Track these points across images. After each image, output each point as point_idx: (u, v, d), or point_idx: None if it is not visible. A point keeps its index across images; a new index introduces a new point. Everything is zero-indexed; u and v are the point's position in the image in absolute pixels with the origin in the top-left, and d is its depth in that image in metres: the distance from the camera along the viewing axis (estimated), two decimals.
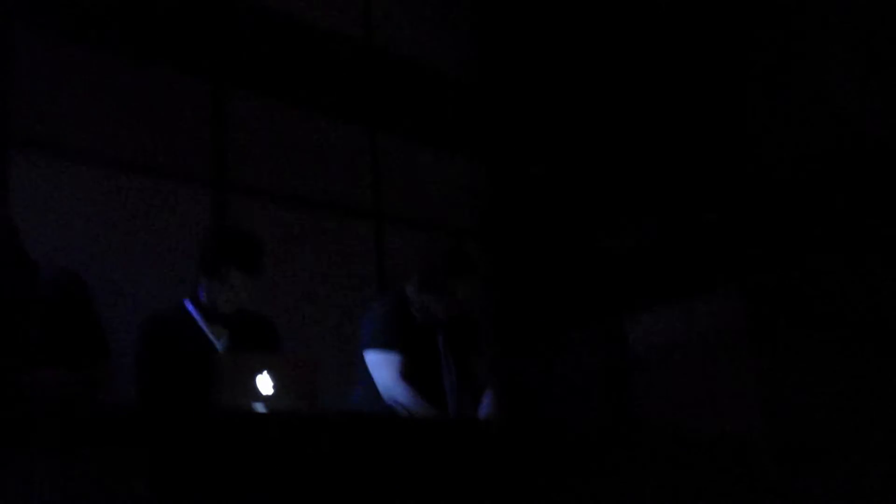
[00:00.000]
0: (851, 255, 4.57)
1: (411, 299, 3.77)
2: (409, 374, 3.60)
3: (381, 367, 3.63)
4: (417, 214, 5.88)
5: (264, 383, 2.73)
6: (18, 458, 2.02)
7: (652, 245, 5.36)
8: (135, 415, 2.34)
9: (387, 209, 5.74)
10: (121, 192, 4.63)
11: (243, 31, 5.22)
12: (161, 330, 3.34)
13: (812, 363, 4.57)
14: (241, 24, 5.23)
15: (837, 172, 4.70)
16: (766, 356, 4.80)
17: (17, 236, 3.11)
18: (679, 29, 5.50)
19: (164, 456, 2.23)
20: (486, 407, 3.84)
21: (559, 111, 6.03)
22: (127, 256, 4.53)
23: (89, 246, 4.41)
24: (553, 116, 6.06)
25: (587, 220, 5.78)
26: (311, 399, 2.84)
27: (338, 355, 4.48)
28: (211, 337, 3.38)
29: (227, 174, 5.04)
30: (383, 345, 3.65)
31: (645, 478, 3.07)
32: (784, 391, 4.65)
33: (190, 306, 3.43)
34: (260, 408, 2.69)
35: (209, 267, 3.37)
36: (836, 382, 4.47)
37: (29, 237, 4.18)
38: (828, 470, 3.77)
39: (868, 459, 4.09)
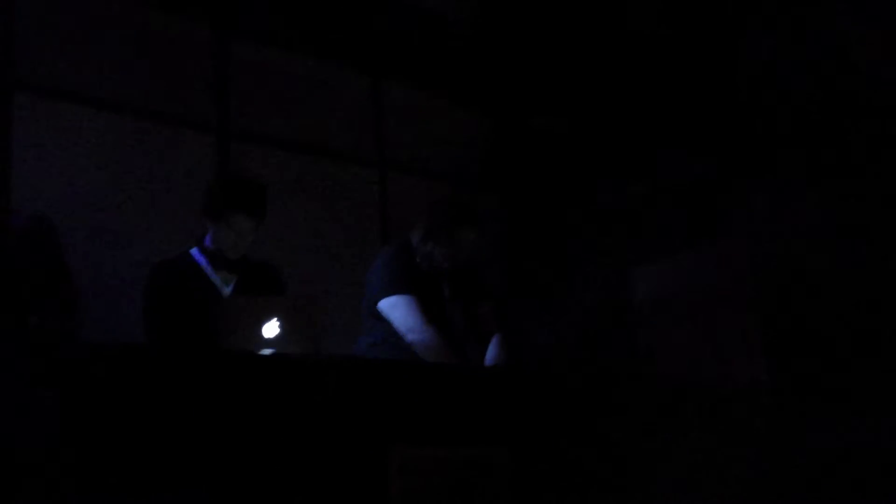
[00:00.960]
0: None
1: (416, 248, 3.79)
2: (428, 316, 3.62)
3: (402, 308, 3.63)
4: (421, 164, 5.87)
5: (269, 326, 2.75)
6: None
7: (650, 198, 5.36)
8: (141, 353, 2.36)
9: (390, 158, 5.73)
10: (125, 135, 4.64)
11: None
12: (168, 277, 3.37)
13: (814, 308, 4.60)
14: None
15: (836, 122, 4.69)
16: (769, 303, 4.82)
17: None
18: None
19: (169, 396, 2.26)
20: (493, 351, 3.87)
21: (560, 64, 6.00)
22: (133, 201, 4.55)
23: (94, 190, 4.43)
24: (554, 69, 6.03)
25: (587, 173, 5.78)
26: (315, 341, 2.86)
27: (342, 301, 4.51)
28: (217, 282, 3.41)
29: (231, 120, 5.04)
30: (400, 289, 3.66)
31: (647, 419, 3.11)
32: (788, 338, 4.67)
33: (196, 253, 3.46)
34: (265, 350, 2.72)
35: (214, 212, 3.40)
36: (839, 325, 4.50)
37: (36, 183, 4.23)
38: (834, 414, 3.81)
39: (875, 403, 4.12)
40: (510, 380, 3.04)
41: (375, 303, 3.69)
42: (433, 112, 6.03)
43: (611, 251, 5.49)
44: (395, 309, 3.64)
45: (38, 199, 4.20)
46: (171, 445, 2.22)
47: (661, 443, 3.08)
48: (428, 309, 3.67)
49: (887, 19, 4.57)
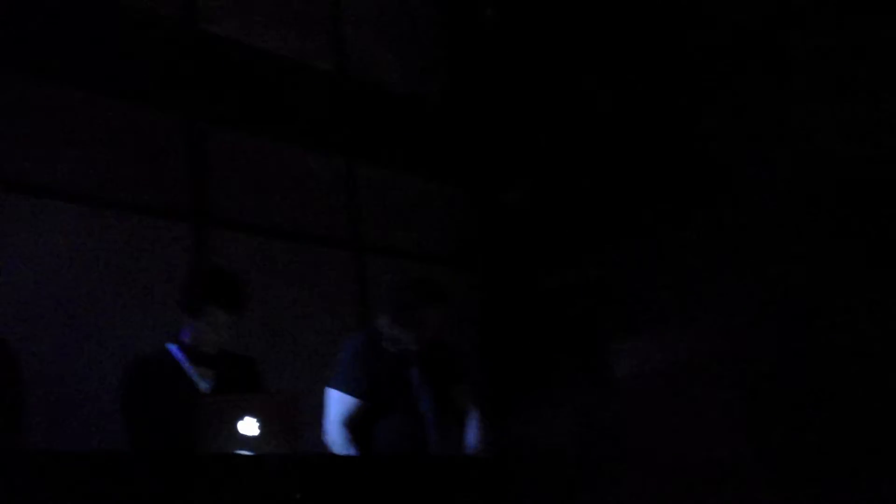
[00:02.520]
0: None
1: (383, 332, 3.81)
2: (360, 419, 3.68)
3: (330, 407, 3.75)
4: (397, 243, 5.91)
5: (247, 426, 2.76)
6: None
7: (624, 274, 5.42)
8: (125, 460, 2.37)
9: (367, 238, 5.77)
10: (100, 227, 4.64)
11: (218, 67, 5.25)
12: (145, 374, 3.37)
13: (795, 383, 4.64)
14: (215, 60, 5.26)
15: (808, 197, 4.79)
16: (750, 380, 4.85)
17: None
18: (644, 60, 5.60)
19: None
20: (472, 433, 3.88)
21: (529, 138, 6.10)
22: (110, 295, 4.54)
23: (71, 285, 4.42)
24: (523, 143, 6.14)
25: (561, 248, 5.84)
26: (294, 437, 2.87)
27: (321, 390, 4.50)
28: (196, 379, 3.41)
29: (206, 208, 5.07)
30: (339, 386, 3.75)
31: None
32: (770, 415, 4.70)
33: (174, 348, 3.45)
34: (243, 450, 2.72)
35: (192, 308, 3.41)
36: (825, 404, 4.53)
37: (12, 276, 4.23)
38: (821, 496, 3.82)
39: (864, 484, 4.13)
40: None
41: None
42: (406, 190, 6.09)
43: (586, 325, 5.53)
44: (328, 402, 3.77)
45: (13, 293, 4.20)
46: None
47: None
48: (394, 396, 3.72)
49: None
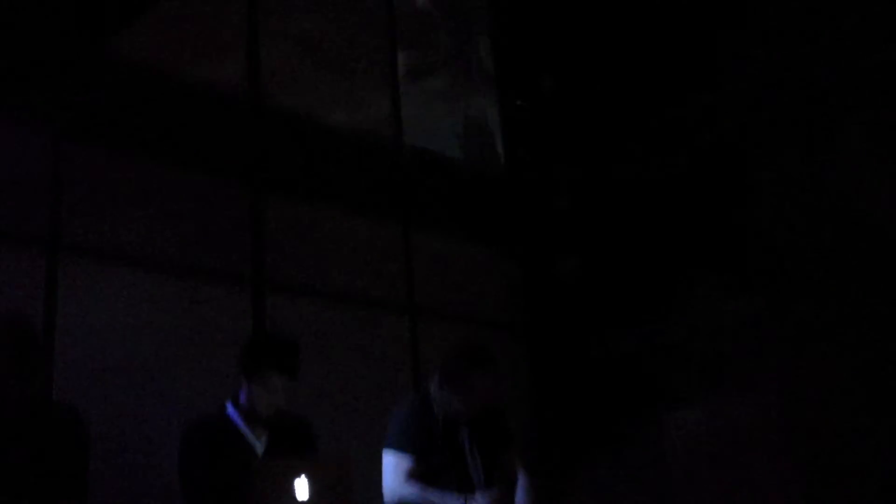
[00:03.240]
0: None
1: (434, 397, 3.85)
2: (420, 475, 3.69)
3: (389, 468, 3.75)
4: (451, 308, 5.98)
5: (301, 489, 2.82)
6: None
7: (681, 342, 5.41)
8: None
9: (421, 304, 5.85)
10: (165, 294, 4.79)
11: (278, 137, 5.43)
12: (203, 438, 3.45)
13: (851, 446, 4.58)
14: (276, 129, 5.44)
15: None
16: (804, 448, 4.80)
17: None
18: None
19: None
20: (520, 497, 3.89)
21: (583, 208, 6.17)
22: (172, 358, 4.67)
23: (133, 348, 4.55)
24: (577, 213, 6.20)
25: (611, 317, 5.85)
26: (347, 501, 2.92)
27: (374, 454, 4.55)
28: (251, 439, 3.49)
29: (265, 274, 5.20)
30: (395, 446, 3.76)
31: None
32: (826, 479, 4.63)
33: (231, 409, 3.55)
34: None
35: (250, 371, 3.50)
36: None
37: (77, 340, 4.38)
38: None
39: None
40: None
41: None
42: (463, 257, 6.18)
43: (638, 396, 5.51)
44: (385, 469, 3.76)
45: (80, 357, 4.35)
46: None
47: None
48: (444, 462, 3.72)
49: None
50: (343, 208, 5.68)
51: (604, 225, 6.10)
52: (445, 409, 3.82)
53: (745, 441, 5.06)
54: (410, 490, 3.65)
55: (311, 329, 5.18)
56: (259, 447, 3.49)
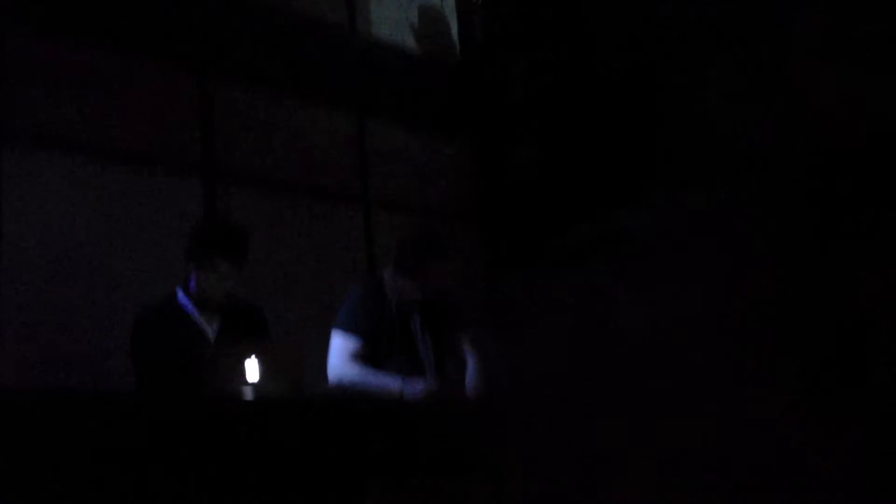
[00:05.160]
0: None
1: (387, 282, 3.90)
2: (366, 357, 3.76)
3: (335, 349, 3.81)
4: (406, 198, 5.97)
5: (251, 370, 2.84)
6: None
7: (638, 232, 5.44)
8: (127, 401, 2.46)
9: (375, 194, 5.83)
10: (112, 182, 4.72)
11: (228, 22, 5.30)
12: (153, 324, 3.47)
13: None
14: (225, 15, 5.30)
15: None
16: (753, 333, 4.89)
17: None
18: None
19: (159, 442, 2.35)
20: (469, 378, 3.99)
21: (541, 92, 6.11)
22: (120, 246, 4.63)
23: (82, 237, 4.51)
24: (536, 97, 6.15)
25: (570, 205, 5.86)
26: (297, 385, 2.96)
27: (325, 341, 4.59)
28: (202, 324, 3.51)
29: (216, 163, 5.14)
30: (343, 327, 3.82)
31: None
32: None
33: (181, 295, 3.57)
34: (248, 394, 2.81)
35: (197, 256, 3.51)
36: None
37: (24, 230, 4.33)
38: None
39: None
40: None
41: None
42: (417, 145, 6.15)
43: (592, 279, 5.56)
44: (332, 345, 3.82)
45: (29, 247, 4.30)
46: (159, 489, 2.30)
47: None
48: (395, 344, 3.79)
49: None
50: (295, 98, 5.59)
51: (559, 115, 6.06)
52: (399, 294, 3.87)
53: (697, 331, 5.14)
54: (353, 371, 3.73)
55: (264, 219, 5.16)
56: (210, 332, 3.52)
